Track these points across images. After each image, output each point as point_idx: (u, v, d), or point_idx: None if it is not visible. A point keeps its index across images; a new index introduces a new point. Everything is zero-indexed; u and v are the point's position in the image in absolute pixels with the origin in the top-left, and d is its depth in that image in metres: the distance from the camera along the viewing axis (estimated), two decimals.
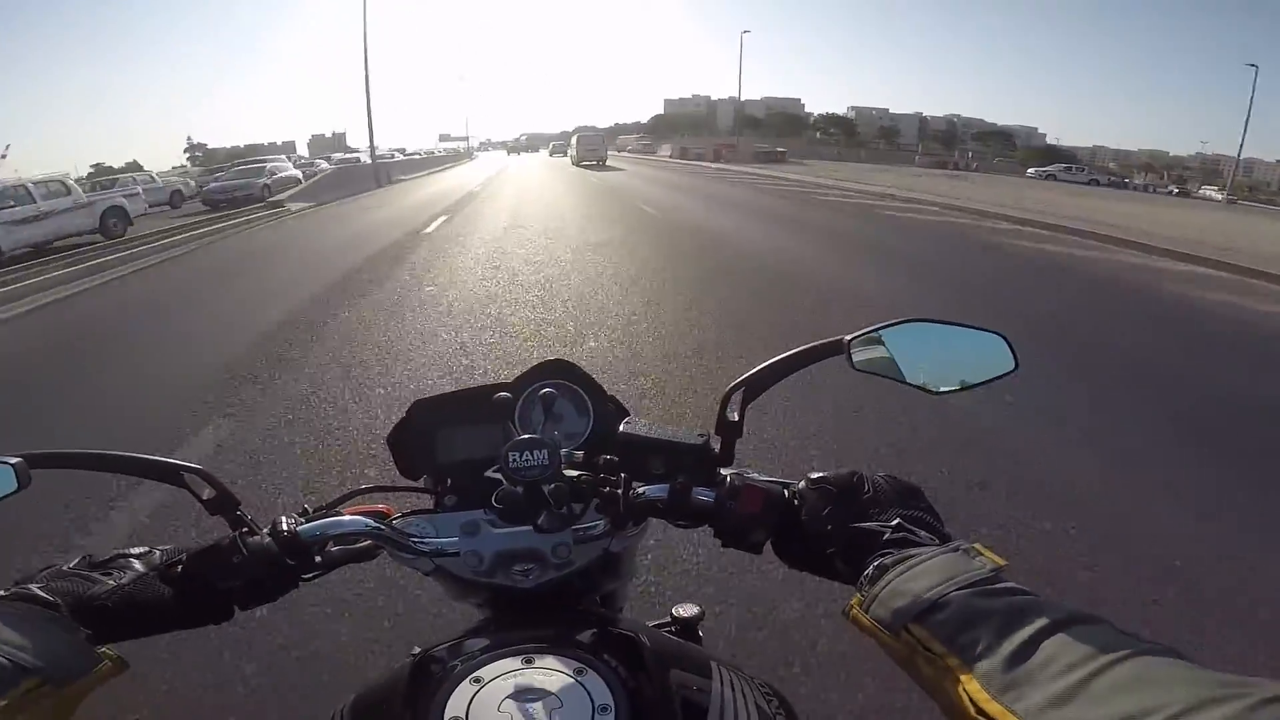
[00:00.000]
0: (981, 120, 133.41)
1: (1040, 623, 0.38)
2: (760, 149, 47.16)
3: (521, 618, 0.59)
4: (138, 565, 0.55)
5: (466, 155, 69.77)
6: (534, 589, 0.60)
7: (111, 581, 0.52)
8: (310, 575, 0.59)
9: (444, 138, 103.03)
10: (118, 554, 0.55)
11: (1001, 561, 0.44)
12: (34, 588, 0.49)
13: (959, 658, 0.39)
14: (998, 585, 0.42)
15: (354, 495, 0.66)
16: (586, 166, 33.54)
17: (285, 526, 0.57)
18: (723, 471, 0.59)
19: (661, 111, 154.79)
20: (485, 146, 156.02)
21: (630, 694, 0.44)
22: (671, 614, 0.84)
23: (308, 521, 0.59)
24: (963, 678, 0.38)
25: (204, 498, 0.59)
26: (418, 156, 54.93)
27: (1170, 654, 0.35)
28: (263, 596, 0.56)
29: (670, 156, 49.11)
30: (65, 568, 0.53)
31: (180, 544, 0.58)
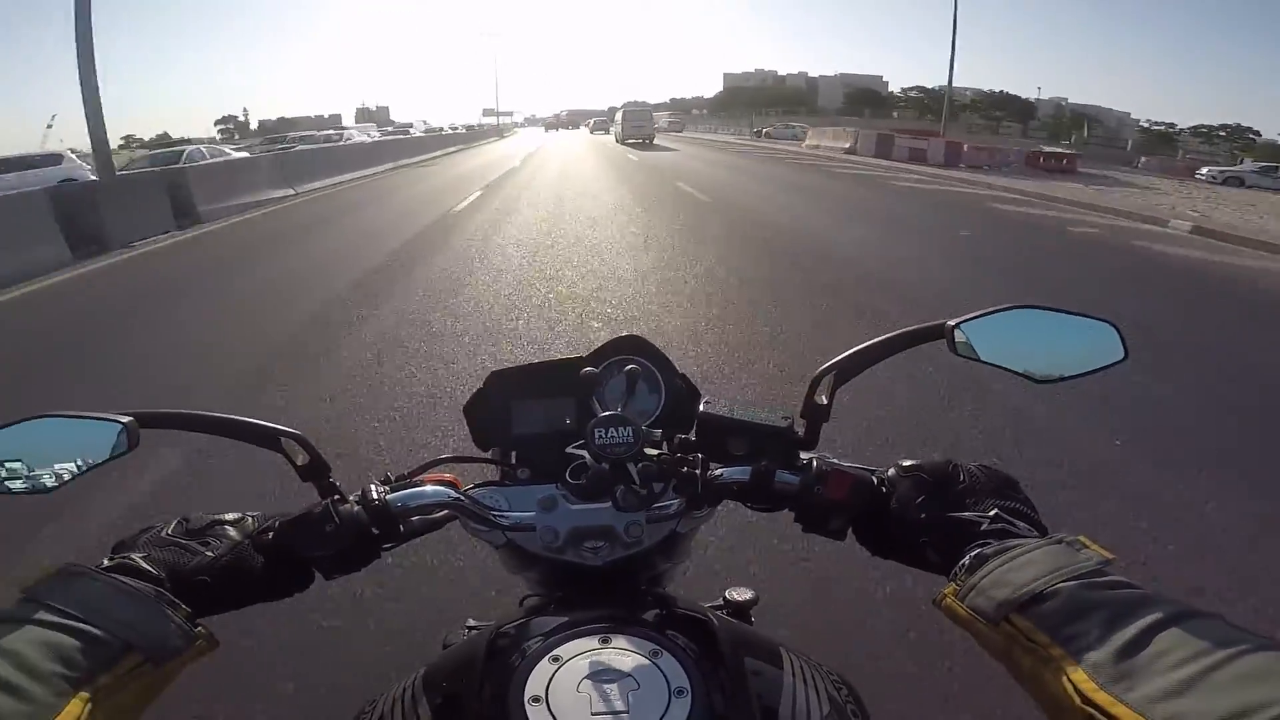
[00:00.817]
0: (1096, 105, 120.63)
1: (1152, 616, 0.39)
2: (1034, 148, 27.23)
3: (588, 596, 0.62)
4: (233, 533, 0.58)
5: (496, 134, 59.27)
6: (602, 567, 0.63)
7: (210, 553, 0.55)
8: (390, 545, 0.62)
9: (488, 112, 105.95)
10: (215, 520, 0.58)
11: (1109, 555, 0.45)
12: (137, 558, 0.52)
13: (1064, 649, 0.40)
14: (1106, 578, 0.43)
15: (433, 465, 0.69)
16: (633, 145, 30.66)
17: (375, 495, 0.60)
18: (804, 456, 0.61)
19: (721, 87, 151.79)
20: (528, 122, 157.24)
21: (705, 678, 0.47)
22: (724, 597, 0.86)
23: (391, 491, 0.62)
24: (1068, 668, 0.40)
25: (298, 463, 0.62)
26: (410, 134, 35.51)
27: None
28: (347, 566, 0.59)
29: (849, 149, 27.19)
30: (164, 533, 0.56)
31: (269, 511, 0.61)
